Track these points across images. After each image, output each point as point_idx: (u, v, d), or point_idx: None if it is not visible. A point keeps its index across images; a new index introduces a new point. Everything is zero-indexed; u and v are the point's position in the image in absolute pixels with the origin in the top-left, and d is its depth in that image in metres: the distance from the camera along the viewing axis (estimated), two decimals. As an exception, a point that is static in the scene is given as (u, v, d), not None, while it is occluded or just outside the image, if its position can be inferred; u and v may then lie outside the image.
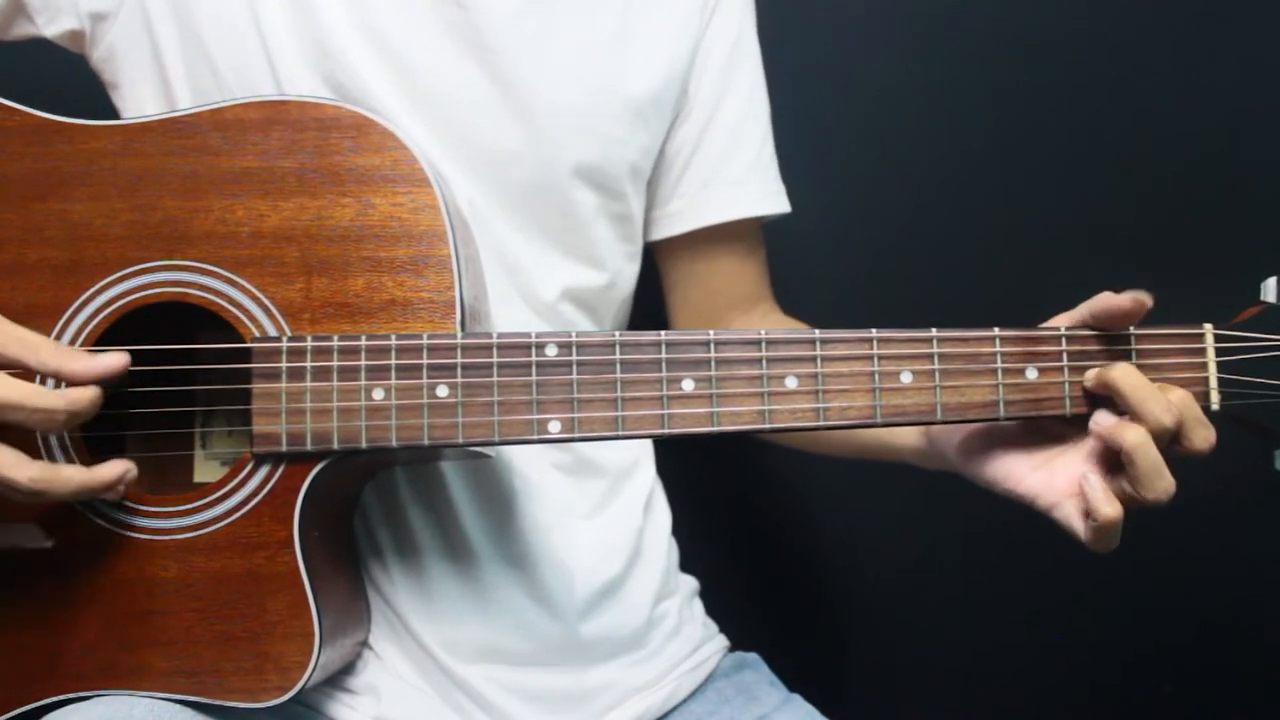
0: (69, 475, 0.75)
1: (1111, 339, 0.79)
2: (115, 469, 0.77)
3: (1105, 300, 0.78)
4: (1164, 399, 0.75)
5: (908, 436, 0.91)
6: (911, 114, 1.31)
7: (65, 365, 0.74)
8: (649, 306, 1.08)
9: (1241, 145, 1.30)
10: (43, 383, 0.76)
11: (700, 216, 1.03)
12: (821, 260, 1.30)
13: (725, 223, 1.04)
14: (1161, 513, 1.27)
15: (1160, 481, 0.75)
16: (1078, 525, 0.78)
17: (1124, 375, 0.76)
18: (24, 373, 0.75)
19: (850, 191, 1.31)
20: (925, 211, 1.31)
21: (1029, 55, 1.31)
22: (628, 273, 1.03)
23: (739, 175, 1.04)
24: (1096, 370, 0.78)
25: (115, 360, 0.75)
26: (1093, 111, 1.31)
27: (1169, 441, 0.76)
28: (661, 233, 1.05)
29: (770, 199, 1.06)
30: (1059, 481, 0.79)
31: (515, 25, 0.93)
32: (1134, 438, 0.74)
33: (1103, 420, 0.77)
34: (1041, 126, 1.31)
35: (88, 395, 0.74)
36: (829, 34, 1.30)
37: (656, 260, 1.09)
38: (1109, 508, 0.75)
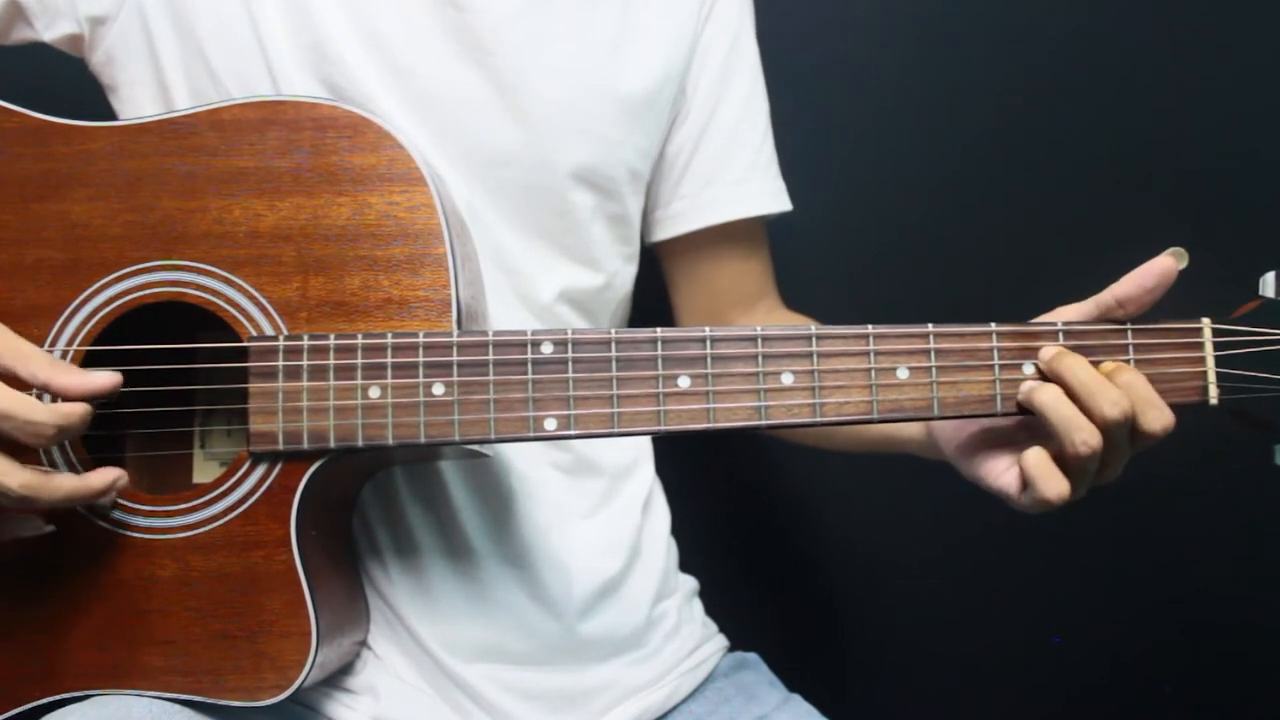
0: (59, 482, 0.75)
1: (1108, 333, 0.79)
2: (106, 476, 0.76)
3: (1138, 274, 0.78)
4: (1114, 392, 0.75)
5: (912, 430, 0.92)
6: (908, 112, 1.31)
7: (55, 379, 0.74)
8: (648, 308, 1.08)
9: (1239, 140, 1.30)
10: (39, 395, 0.76)
11: (702, 216, 1.04)
12: (818, 257, 1.30)
13: (728, 222, 1.04)
14: (1162, 511, 1.28)
15: (1080, 432, 0.75)
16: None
17: (1071, 367, 0.76)
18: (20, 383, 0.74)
19: (847, 189, 1.31)
20: (922, 209, 1.31)
21: (1027, 53, 1.31)
22: (625, 274, 1.03)
23: (740, 174, 1.04)
24: (1052, 353, 0.77)
25: (107, 379, 0.75)
26: (1090, 108, 1.31)
27: (1129, 433, 0.76)
28: (664, 233, 1.05)
29: (771, 198, 1.06)
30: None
31: (512, 27, 0.93)
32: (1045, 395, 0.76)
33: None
34: (1039, 123, 1.31)
35: (77, 411, 0.74)
36: (828, 33, 1.30)
37: (660, 261, 1.09)
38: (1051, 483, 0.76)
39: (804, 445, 1.09)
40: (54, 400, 0.75)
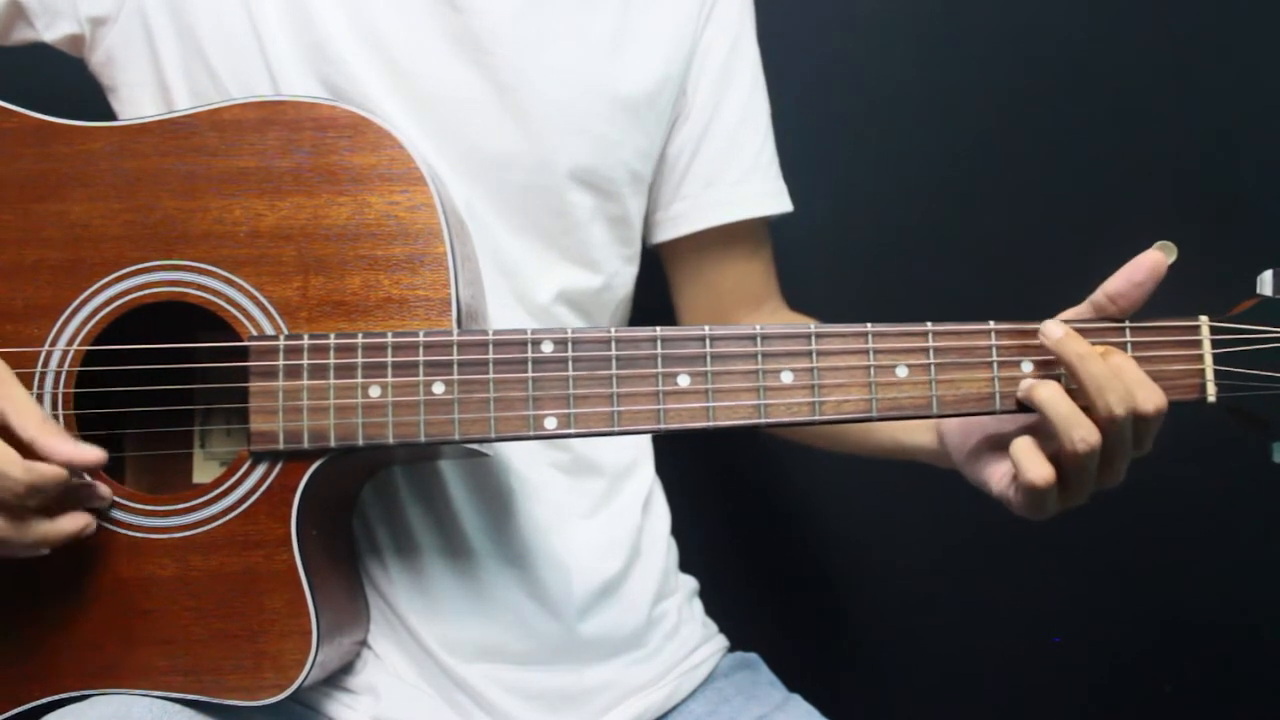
0: (28, 530, 0.75)
1: (1106, 331, 0.79)
2: (75, 523, 0.77)
3: (1127, 268, 0.78)
4: (1122, 387, 0.75)
5: (922, 437, 0.92)
6: (908, 112, 1.31)
7: (41, 440, 0.74)
8: (648, 308, 1.08)
9: (1237, 139, 1.30)
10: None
11: (704, 218, 1.04)
12: (818, 258, 1.30)
13: (729, 223, 1.04)
14: (1161, 510, 1.28)
15: (1079, 429, 0.75)
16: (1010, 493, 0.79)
17: (1084, 358, 0.76)
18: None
19: (848, 190, 1.31)
20: (923, 209, 1.31)
21: (1027, 53, 1.31)
22: (624, 275, 1.03)
23: (740, 176, 1.04)
24: (1061, 333, 0.77)
25: (90, 454, 0.75)
26: (1090, 108, 1.31)
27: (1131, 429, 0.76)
28: (666, 235, 1.05)
29: (772, 199, 1.06)
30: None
31: (511, 27, 0.93)
32: (1044, 392, 0.76)
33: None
34: (1039, 123, 1.31)
35: (52, 476, 0.74)
36: (828, 33, 1.30)
37: (663, 262, 1.09)
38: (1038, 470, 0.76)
39: (807, 445, 1.08)
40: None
